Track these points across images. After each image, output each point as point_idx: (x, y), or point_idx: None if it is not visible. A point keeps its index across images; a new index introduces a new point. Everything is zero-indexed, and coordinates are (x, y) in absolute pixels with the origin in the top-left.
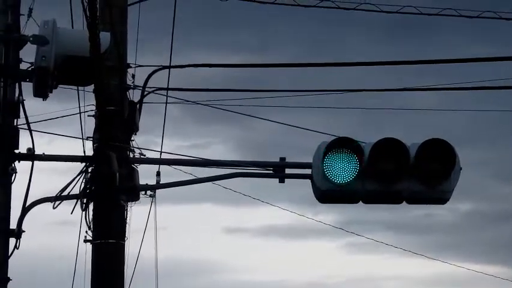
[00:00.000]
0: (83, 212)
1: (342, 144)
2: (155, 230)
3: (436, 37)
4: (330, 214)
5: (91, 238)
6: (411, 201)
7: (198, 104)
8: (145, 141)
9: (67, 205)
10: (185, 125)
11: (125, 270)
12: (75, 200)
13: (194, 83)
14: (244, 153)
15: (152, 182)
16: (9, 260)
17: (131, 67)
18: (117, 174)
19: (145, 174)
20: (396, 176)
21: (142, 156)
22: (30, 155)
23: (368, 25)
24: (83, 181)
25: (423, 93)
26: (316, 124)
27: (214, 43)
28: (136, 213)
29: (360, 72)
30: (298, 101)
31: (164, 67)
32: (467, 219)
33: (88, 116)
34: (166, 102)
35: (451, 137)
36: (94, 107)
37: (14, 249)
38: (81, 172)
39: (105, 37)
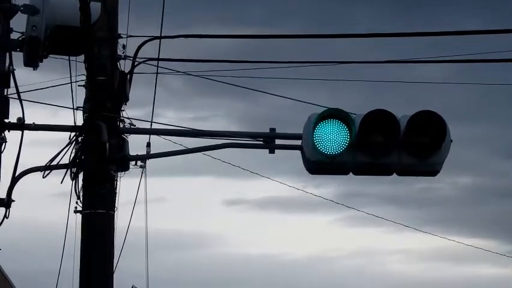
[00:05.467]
0: (73, 182)
1: (332, 116)
2: (145, 200)
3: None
4: (331, 187)
5: (80, 208)
6: (402, 173)
7: (189, 74)
8: (148, 112)
9: (60, 176)
10: (189, 97)
11: (115, 241)
12: (65, 170)
13: (199, 55)
14: (247, 127)
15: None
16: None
17: (122, 37)
18: (107, 144)
19: (137, 148)
20: (387, 147)
21: (131, 127)
22: (20, 125)
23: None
24: (73, 151)
25: (431, 68)
26: (322, 98)
27: (221, 17)
28: (132, 185)
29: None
30: (305, 74)
31: (155, 37)
32: (467, 193)
33: (79, 86)
34: (157, 73)
35: (453, 111)
36: (84, 77)
37: (3, 219)
38: (71, 142)
39: (96, 7)
